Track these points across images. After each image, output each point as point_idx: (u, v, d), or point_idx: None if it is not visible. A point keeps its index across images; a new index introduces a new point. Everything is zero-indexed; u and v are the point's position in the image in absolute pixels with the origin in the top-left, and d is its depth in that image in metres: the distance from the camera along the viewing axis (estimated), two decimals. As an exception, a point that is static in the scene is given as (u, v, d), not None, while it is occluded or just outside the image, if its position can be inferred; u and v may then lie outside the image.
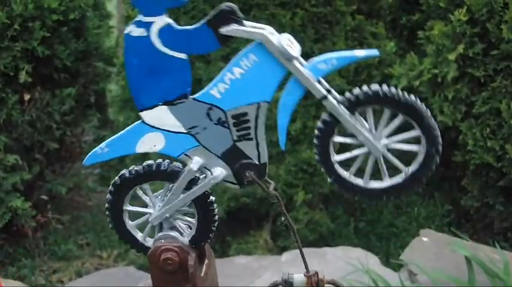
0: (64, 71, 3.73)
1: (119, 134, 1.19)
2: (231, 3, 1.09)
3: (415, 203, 3.87)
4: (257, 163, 1.15)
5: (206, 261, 1.22)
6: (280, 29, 3.44)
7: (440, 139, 1.14)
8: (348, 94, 1.11)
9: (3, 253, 3.74)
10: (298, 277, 1.27)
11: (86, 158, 1.21)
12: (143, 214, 1.25)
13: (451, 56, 3.30)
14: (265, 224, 3.72)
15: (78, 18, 3.69)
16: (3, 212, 3.49)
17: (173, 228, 1.22)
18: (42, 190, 3.90)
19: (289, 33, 3.16)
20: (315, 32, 3.49)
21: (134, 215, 1.27)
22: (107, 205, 1.25)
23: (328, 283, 1.30)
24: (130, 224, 1.26)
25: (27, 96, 3.60)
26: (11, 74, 3.43)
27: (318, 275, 1.26)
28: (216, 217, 1.21)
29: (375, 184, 1.16)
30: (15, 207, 3.50)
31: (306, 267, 1.29)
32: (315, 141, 1.14)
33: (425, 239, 2.94)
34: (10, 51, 3.38)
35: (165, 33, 1.10)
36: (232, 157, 1.14)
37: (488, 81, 3.32)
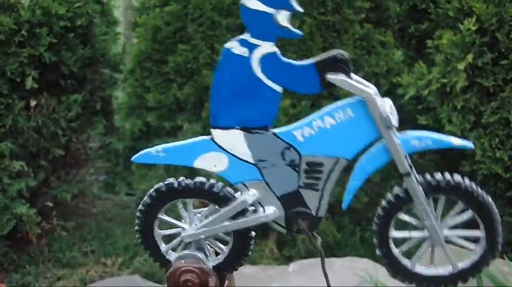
0: (71, 77, 3.73)
1: (180, 142, 1.15)
2: (345, 52, 1.06)
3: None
4: (314, 214, 1.14)
5: (227, 282, 1.20)
6: (288, 37, 3.41)
7: (500, 247, 1.12)
8: (429, 177, 1.09)
9: (7, 259, 3.72)
10: None
11: (137, 156, 1.16)
12: (175, 226, 1.21)
13: (460, 66, 3.29)
14: (270, 233, 3.71)
15: (85, 25, 3.70)
16: (8, 218, 3.48)
17: (200, 249, 1.18)
18: (47, 196, 3.89)
19: (297, 41, 3.17)
20: (323, 40, 3.50)
21: (163, 225, 1.24)
22: (141, 207, 1.21)
23: None
24: (158, 232, 1.22)
25: (33, 103, 3.60)
26: (18, 80, 3.43)
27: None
28: (249, 252, 1.18)
29: (421, 269, 1.15)
30: (20, 214, 3.49)
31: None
32: (379, 211, 1.13)
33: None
34: (17, 57, 3.38)
35: (269, 60, 1.06)
36: (291, 201, 1.11)
37: (498, 91, 3.31)
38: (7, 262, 3.72)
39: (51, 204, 3.97)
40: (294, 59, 1.14)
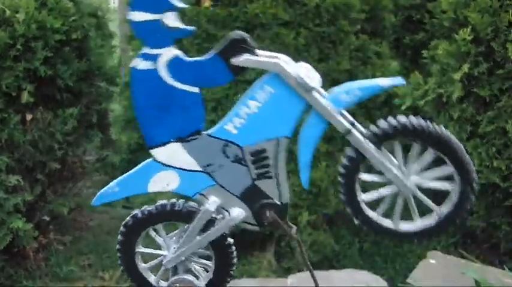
0: (66, 91, 3.72)
1: (128, 173, 1.14)
2: (241, 32, 1.04)
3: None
4: (278, 202, 1.09)
5: None
6: (284, 49, 3.43)
7: (475, 176, 1.08)
8: (373, 127, 1.06)
9: (4, 274, 3.70)
10: None
11: (95, 199, 1.16)
12: (156, 255, 1.19)
13: (456, 76, 3.32)
14: (268, 246, 3.70)
15: (80, 38, 3.69)
16: (5, 233, 3.46)
17: (188, 271, 1.18)
18: (43, 210, 3.87)
19: (293, 52, 3.16)
20: (319, 51, 3.51)
21: (147, 257, 1.22)
22: (118, 246, 1.20)
23: None
24: (142, 266, 1.21)
25: (29, 117, 3.58)
26: (13, 94, 3.41)
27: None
28: (235, 259, 1.16)
29: (406, 226, 1.10)
30: (16, 228, 3.46)
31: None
32: (339, 178, 1.11)
33: (432, 261, 2.91)
34: (12, 71, 3.37)
35: (174, 65, 1.07)
36: (251, 196, 1.08)
37: (494, 101, 3.33)
38: (4, 277, 3.70)
39: (47, 218, 3.96)
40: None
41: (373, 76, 3.65)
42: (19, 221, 3.47)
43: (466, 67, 3.29)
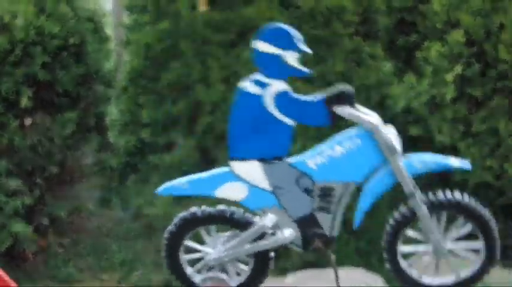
0: (65, 95, 3.79)
1: (202, 174, 1.26)
2: (350, 86, 1.14)
3: (415, 222, 3.92)
4: (328, 234, 1.24)
5: None
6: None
7: (498, 256, 1.21)
8: (432, 196, 1.22)
9: (4, 277, 3.74)
10: None
11: (162, 187, 1.26)
12: (199, 251, 1.26)
13: (449, 77, 3.43)
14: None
15: (78, 43, 3.77)
16: (5, 237, 3.52)
17: (223, 271, 1.28)
18: (42, 213, 3.93)
19: None
20: (314, 54, 3.57)
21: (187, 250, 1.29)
22: (167, 235, 1.28)
23: None
24: (183, 257, 1.27)
25: (28, 121, 3.65)
26: (12, 99, 3.48)
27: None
28: (268, 272, 1.24)
29: (428, 280, 1.27)
30: (16, 232, 3.52)
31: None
32: (387, 228, 1.25)
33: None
34: (11, 76, 3.44)
35: (281, 98, 1.17)
36: (306, 223, 1.22)
37: (486, 101, 3.43)
38: (4, 279, 3.74)
39: (47, 221, 4.01)
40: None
41: (367, 77, 3.73)
42: (19, 224, 3.53)
43: (458, 68, 3.39)
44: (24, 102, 3.50)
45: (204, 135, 3.66)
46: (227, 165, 1.23)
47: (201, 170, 3.69)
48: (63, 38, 3.60)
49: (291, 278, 3.07)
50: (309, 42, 3.60)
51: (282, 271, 3.53)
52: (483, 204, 3.44)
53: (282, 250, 3.65)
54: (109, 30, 5.27)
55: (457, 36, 3.40)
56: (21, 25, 3.39)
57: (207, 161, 3.74)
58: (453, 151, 3.54)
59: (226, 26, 3.55)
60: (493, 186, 3.43)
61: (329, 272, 3.12)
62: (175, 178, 3.69)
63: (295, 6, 3.57)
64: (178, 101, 3.63)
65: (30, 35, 3.43)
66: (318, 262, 3.57)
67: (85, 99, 4.03)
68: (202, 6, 3.55)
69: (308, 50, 1.16)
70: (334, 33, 3.61)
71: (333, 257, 1.25)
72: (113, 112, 4.41)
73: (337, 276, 1.32)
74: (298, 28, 3.53)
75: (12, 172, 3.57)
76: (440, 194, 1.19)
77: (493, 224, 1.19)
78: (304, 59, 3.52)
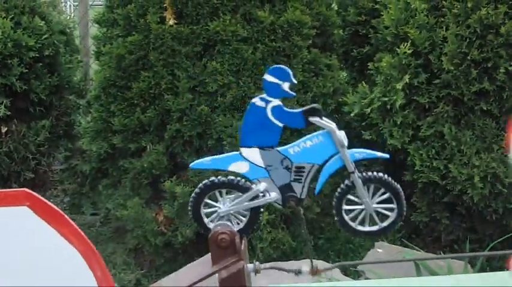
0: (39, 104, 3.95)
1: (220, 156, 1.71)
2: (319, 105, 1.66)
3: (369, 221, 4.17)
4: (299, 196, 1.69)
5: (243, 241, 1.71)
6: (243, 63, 3.70)
7: (404, 213, 1.69)
8: (364, 174, 1.67)
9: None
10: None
11: (194, 163, 1.72)
12: (213, 206, 1.72)
13: (399, 85, 3.58)
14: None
15: (52, 55, 3.92)
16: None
17: (228, 220, 1.70)
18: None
19: (251, 66, 3.60)
20: (274, 65, 3.75)
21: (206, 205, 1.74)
22: (193, 195, 1.72)
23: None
24: (203, 211, 1.73)
25: (4, 129, 3.79)
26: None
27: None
28: (259, 222, 1.74)
29: (362, 228, 1.71)
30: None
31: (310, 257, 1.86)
32: (336, 194, 1.69)
33: (379, 250, 3.24)
34: (-11, 87, 3.58)
35: (276, 109, 1.65)
36: (285, 189, 1.68)
37: (432, 107, 3.64)
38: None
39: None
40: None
41: (324, 86, 3.89)
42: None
43: (407, 78, 3.57)
44: (2, 111, 3.65)
45: (173, 141, 3.79)
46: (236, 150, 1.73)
47: (170, 174, 3.86)
48: (38, 50, 3.77)
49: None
50: (270, 54, 3.83)
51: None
52: (430, 200, 3.69)
53: (248, 249, 3.88)
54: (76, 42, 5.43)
55: (405, 48, 3.57)
56: (-1, 38, 3.54)
57: (175, 165, 3.91)
58: (403, 153, 3.76)
59: (193, 39, 3.68)
60: (439, 185, 3.62)
61: (290, 264, 3.37)
62: (145, 181, 3.84)
63: (257, 21, 3.73)
64: (148, 109, 3.77)
65: (8, 47, 3.59)
66: (280, 258, 3.79)
67: (57, 108, 4.20)
68: (171, 20, 3.69)
69: (295, 82, 1.67)
70: (294, 45, 3.77)
71: (301, 211, 1.73)
72: (83, 120, 4.58)
73: (305, 228, 1.68)
74: (260, 41, 3.75)
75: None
76: (369, 173, 1.67)
77: (401, 192, 1.67)
78: (265, 70, 3.72)
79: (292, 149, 1.68)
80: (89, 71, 5.20)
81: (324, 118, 1.68)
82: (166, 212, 3.80)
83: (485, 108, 3.54)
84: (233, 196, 1.72)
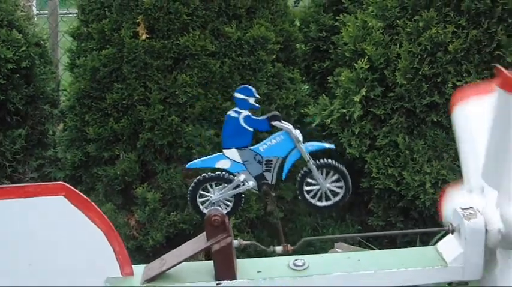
0: (15, 114, 4.11)
1: (208, 157, 2.04)
2: (278, 112, 1.97)
3: (330, 225, 4.42)
4: (270, 183, 2.02)
5: (230, 220, 2.02)
6: (211, 76, 3.90)
7: (349, 193, 2.00)
8: (318, 161, 1.97)
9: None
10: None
11: (189, 164, 2.03)
12: (206, 196, 2.03)
13: (356, 98, 3.82)
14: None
15: (28, 66, 4.09)
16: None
17: (219, 205, 2.02)
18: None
19: (219, 79, 3.95)
20: (241, 78, 3.95)
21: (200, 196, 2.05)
22: (190, 188, 2.02)
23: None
24: (199, 200, 2.05)
25: (-19, 137, 3.94)
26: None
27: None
28: (242, 205, 2.04)
29: (320, 203, 2.01)
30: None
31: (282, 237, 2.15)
32: (298, 178, 2.00)
33: (339, 250, 3.48)
34: (-32, 97, 3.73)
35: (247, 118, 1.96)
36: (259, 177, 2.02)
37: (387, 119, 3.87)
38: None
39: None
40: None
41: (287, 98, 4.08)
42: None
43: (364, 91, 3.80)
44: (-20, 120, 3.81)
45: (144, 150, 3.96)
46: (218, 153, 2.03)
47: (141, 181, 4.02)
48: (15, 62, 3.93)
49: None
50: (236, 68, 4.04)
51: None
52: (385, 205, 3.92)
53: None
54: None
55: (362, 63, 3.81)
56: (-22, 50, 3.70)
57: (146, 173, 4.09)
58: (361, 161, 4.00)
59: (164, 53, 3.85)
60: (394, 191, 3.86)
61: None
62: (117, 187, 4.00)
63: (224, 37, 3.92)
64: (121, 119, 3.93)
65: (-13, 59, 3.75)
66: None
67: (32, 117, 4.37)
68: (143, 35, 3.86)
69: (258, 97, 1.97)
70: (259, 60, 3.96)
71: (273, 194, 2.06)
72: (58, 129, 4.74)
73: (275, 206, 2.00)
74: (227, 56, 3.95)
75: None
76: (321, 160, 1.98)
77: (347, 173, 1.98)
78: (232, 83, 3.90)
79: (262, 147, 2.03)
80: (60, 81, 5.34)
81: (282, 121, 2.04)
82: (138, 217, 3.95)
83: (435, 120, 3.78)
84: (221, 186, 2.08)
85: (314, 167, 2.02)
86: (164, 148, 3.93)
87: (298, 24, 4.70)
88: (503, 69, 1.64)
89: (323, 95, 4.16)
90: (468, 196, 2.12)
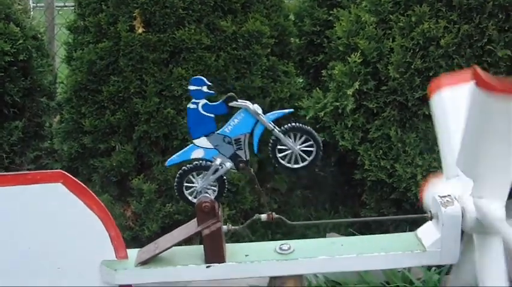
0: (13, 106, 4.16)
1: (183, 150, 2.13)
2: (234, 94, 2.05)
3: (323, 217, 4.47)
4: (245, 159, 2.12)
5: (220, 207, 2.14)
6: (207, 69, 3.96)
7: (321, 149, 2.09)
8: (283, 127, 2.07)
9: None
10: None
11: (168, 161, 2.13)
12: (191, 187, 2.13)
13: (349, 91, 3.86)
14: (194, 238, 4.20)
15: (26, 59, 4.13)
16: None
17: (206, 192, 2.12)
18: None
19: (214, 72, 4.02)
20: (236, 71, 4.01)
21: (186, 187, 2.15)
22: (176, 183, 2.13)
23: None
24: (186, 192, 2.15)
25: (-21, 129, 3.98)
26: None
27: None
28: (226, 189, 2.15)
29: (296, 165, 2.10)
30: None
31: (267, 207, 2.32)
32: (269, 148, 2.10)
33: (330, 240, 3.53)
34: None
35: (205, 106, 2.05)
36: (234, 157, 2.12)
37: (380, 112, 3.92)
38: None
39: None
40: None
41: (282, 91, 4.14)
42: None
43: (357, 84, 3.84)
44: (-22, 112, 3.85)
45: (140, 142, 4.02)
46: (189, 145, 2.14)
47: (137, 172, 4.08)
48: (13, 55, 3.98)
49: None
50: (231, 61, 4.09)
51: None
52: (378, 197, 3.96)
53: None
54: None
55: (355, 57, 3.85)
56: (-25, 43, 3.73)
57: (142, 164, 4.14)
58: (354, 153, 4.04)
59: (160, 46, 3.90)
60: (387, 183, 3.90)
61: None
62: (114, 179, 4.05)
63: (220, 30, 3.97)
64: (118, 111, 3.99)
65: (-15, 52, 3.79)
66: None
67: (29, 109, 4.41)
68: (140, 29, 3.90)
69: (210, 83, 2.04)
70: (253, 53, 4.02)
71: (252, 170, 2.16)
72: (55, 121, 4.79)
73: (257, 182, 2.21)
74: (222, 49, 4.00)
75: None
76: (286, 125, 2.07)
77: (313, 131, 2.08)
78: (227, 76, 3.95)
79: (227, 128, 2.12)
80: (56, 74, 5.38)
81: (238, 100, 2.13)
82: (134, 208, 4.01)
83: (427, 113, 3.77)
84: (202, 175, 2.18)
85: (280, 134, 2.10)
86: (160, 140, 3.98)
87: (293, 19, 4.74)
88: (479, 70, 1.70)
89: (317, 88, 4.19)
90: (446, 184, 2.19)
